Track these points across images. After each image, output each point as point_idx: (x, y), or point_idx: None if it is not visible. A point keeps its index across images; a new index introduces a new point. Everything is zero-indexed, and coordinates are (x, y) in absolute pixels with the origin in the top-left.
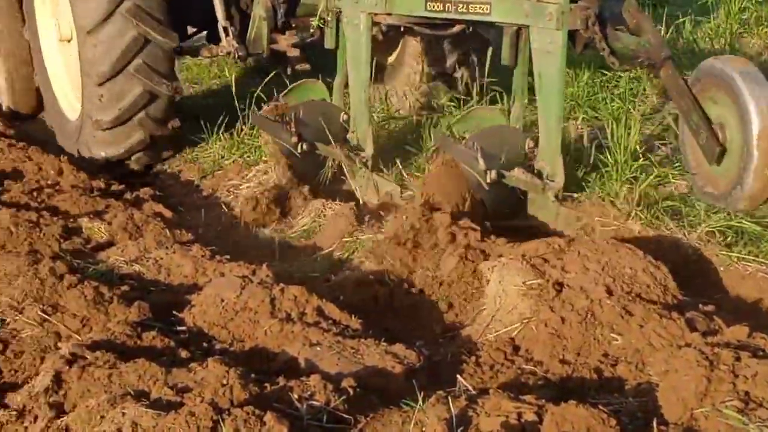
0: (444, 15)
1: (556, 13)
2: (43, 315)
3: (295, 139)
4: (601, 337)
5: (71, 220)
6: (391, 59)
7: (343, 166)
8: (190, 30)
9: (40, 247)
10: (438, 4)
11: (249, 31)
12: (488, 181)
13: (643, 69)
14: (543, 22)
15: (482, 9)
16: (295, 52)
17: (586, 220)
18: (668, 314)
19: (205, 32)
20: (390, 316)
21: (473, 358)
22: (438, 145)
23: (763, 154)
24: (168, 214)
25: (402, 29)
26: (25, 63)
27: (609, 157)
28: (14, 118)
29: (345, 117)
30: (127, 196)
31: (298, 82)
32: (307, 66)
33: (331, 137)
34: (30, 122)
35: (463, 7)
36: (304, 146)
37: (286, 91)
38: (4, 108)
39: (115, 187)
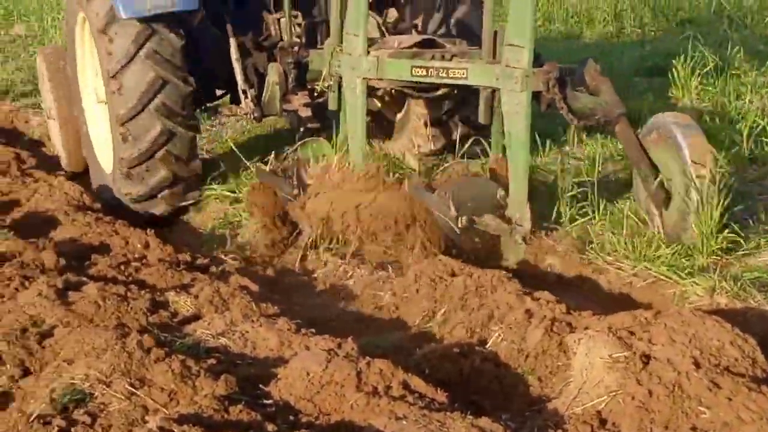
0: (428, 79)
1: (520, 77)
2: (131, 389)
3: (296, 191)
4: (689, 411)
5: (158, 293)
6: (399, 116)
7: None
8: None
9: (127, 320)
10: (422, 69)
11: (264, 93)
12: (459, 226)
13: (601, 125)
14: (510, 85)
15: (460, 74)
16: (306, 112)
17: (550, 261)
18: (757, 387)
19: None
20: (476, 389)
21: None
22: (413, 195)
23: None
24: (254, 287)
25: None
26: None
27: (693, 229)
28: (73, 176)
29: None
30: (213, 269)
31: (306, 139)
32: (317, 124)
33: None
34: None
35: (443, 72)
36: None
37: (294, 147)
38: (64, 168)
39: (200, 260)
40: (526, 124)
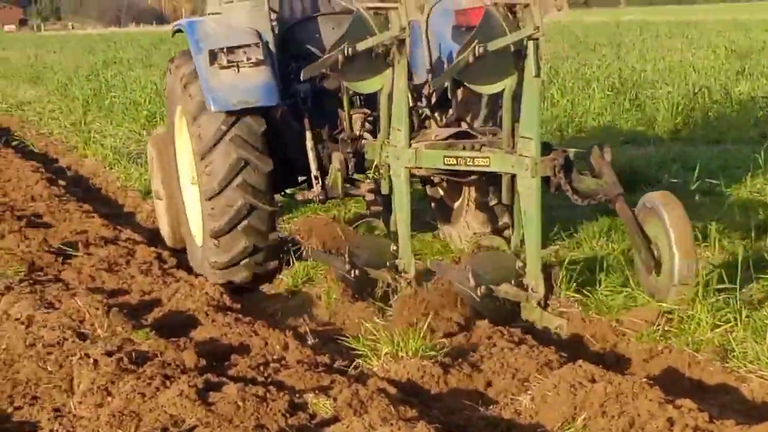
0: (457, 167)
1: (531, 164)
2: None
3: (348, 266)
4: None
5: (297, 395)
6: (456, 204)
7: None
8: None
9: (266, 422)
10: (452, 159)
11: (327, 178)
12: (479, 294)
13: (602, 203)
14: (523, 171)
15: (484, 162)
16: (371, 197)
17: (560, 322)
18: None
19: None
20: None
21: None
22: (435, 271)
23: (681, 265)
24: (392, 390)
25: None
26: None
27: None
28: (175, 251)
29: (394, 247)
30: (351, 371)
31: (363, 220)
32: (379, 207)
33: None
34: (253, 296)
35: (470, 161)
36: (356, 272)
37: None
38: (168, 245)
39: (339, 362)
40: (538, 204)
